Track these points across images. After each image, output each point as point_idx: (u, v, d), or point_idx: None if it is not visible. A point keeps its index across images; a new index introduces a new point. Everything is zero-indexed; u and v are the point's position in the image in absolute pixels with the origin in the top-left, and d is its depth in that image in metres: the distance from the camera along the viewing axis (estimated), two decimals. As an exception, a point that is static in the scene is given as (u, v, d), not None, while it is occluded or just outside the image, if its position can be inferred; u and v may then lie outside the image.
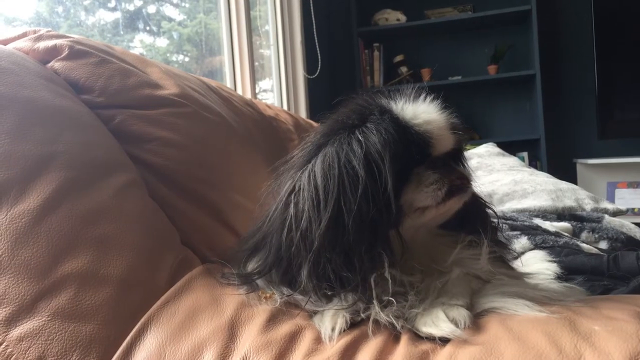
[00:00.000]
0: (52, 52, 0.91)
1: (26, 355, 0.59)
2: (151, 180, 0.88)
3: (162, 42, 2.72)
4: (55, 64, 0.90)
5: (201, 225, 0.89)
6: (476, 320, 0.61)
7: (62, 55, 0.90)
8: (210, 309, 0.66)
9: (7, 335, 0.59)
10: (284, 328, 0.62)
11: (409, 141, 0.66)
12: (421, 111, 0.68)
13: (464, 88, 3.83)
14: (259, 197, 0.79)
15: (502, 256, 0.75)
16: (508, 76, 3.70)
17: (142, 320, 0.65)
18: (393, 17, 3.86)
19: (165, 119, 0.94)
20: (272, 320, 0.64)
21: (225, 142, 1.06)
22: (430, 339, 0.59)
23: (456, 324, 0.59)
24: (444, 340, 0.58)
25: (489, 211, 0.78)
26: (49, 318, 0.61)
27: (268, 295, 0.68)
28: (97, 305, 0.64)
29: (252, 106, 1.50)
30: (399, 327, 0.61)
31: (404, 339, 0.60)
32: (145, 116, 0.92)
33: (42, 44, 0.91)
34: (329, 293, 0.64)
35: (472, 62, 3.87)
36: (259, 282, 0.71)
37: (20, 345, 0.59)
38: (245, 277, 0.71)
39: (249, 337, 0.60)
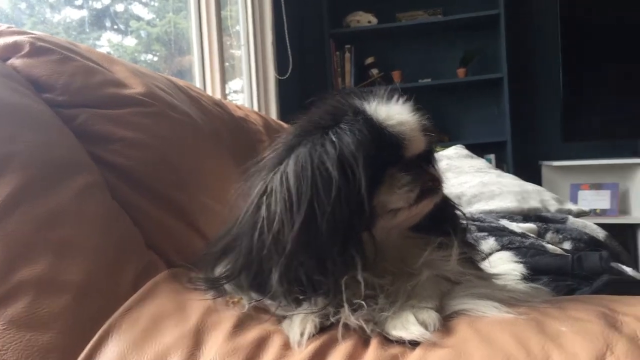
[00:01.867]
0: (12, 49, 0.87)
1: (-22, 367, 0.56)
2: (115, 181, 0.85)
3: (130, 41, 2.67)
4: (15, 61, 0.86)
5: (167, 228, 0.87)
6: (446, 323, 0.61)
7: (23, 52, 0.87)
8: (175, 315, 0.64)
9: (-43, 345, 0.56)
10: (252, 334, 0.61)
11: (382, 142, 0.66)
12: (395, 112, 0.68)
13: (434, 91, 3.87)
14: (228, 198, 0.77)
15: (472, 257, 0.75)
16: (477, 79, 3.76)
17: (103, 328, 0.62)
18: (365, 19, 3.88)
19: (130, 119, 0.91)
20: (240, 326, 0.62)
21: (192, 142, 1.03)
22: (400, 342, 0.59)
23: (426, 327, 0.58)
24: (414, 344, 0.57)
25: (458, 213, 0.78)
26: (4, 327, 0.58)
27: (236, 300, 0.66)
28: (55, 313, 0.61)
29: (222, 106, 1.48)
30: (368, 331, 0.60)
31: (374, 343, 0.59)
32: (109, 116, 0.89)
33: (2, 40, 0.87)
34: (300, 297, 0.63)
35: (442, 65, 3.91)
36: (227, 286, 0.69)
37: (-28, 356, 0.56)
38: (213, 282, 0.70)
39: (215, 344, 0.59)
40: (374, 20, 3.86)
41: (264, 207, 0.65)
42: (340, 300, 0.61)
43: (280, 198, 0.64)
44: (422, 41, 3.98)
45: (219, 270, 0.71)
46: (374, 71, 3.94)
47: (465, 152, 2.57)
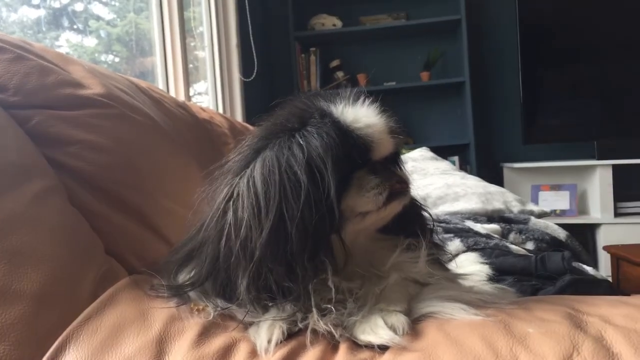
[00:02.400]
0: (-40, 47, 0.83)
1: None
2: (73, 186, 0.82)
3: (90, 41, 2.59)
4: (-36, 60, 0.82)
5: (128, 233, 0.84)
6: (414, 326, 0.61)
7: (-28, 51, 0.83)
8: (136, 324, 0.62)
9: None
10: (217, 342, 0.59)
11: (350, 145, 0.65)
12: (362, 115, 0.67)
13: (399, 93, 3.91)
14: (192, 203, 0.75)
15: (439, 258, 0.75)
16: (440, 83, 3.82)
17: (60, 339, 0.59)
18: (329, 22, 3.89)
19: (88, 121, 0.88)
20: (205, 334, 0.60)
21: (154, 145, 1.00)
22: (369, 346, 0.58)
23: (395, 331, 0.58)
24: (383, 348, 0.57)
25: (425, 214, 0.78)
26: (-49, 340, 0.55)
27: (200, 307, 0.64)
28: (9, 323, 0.58)
29: (185, 108, 1.45)
30: (337, 336, 0.59)
31: (343, 348, 0.58)
32: (66, 117, 0.86)
33: (-52, 38, 0.83)
34: (269, 304, 0.61)
35: (406, 69, 3.96)
36: (192, 294, 0.67)
37: None
38: (177, 289, 0.67)
39: (179, 353, 0.57)
40: (339, 24, 3.88)
41: (230, 213, 0.64)
42: (309, 305, 0.60)
43: (247, 203, 0.62)
44: (387, 44, 4.02)
45: (183, 276, 0.69)
46: (340, 74, 3.95)
47: (430, 154, 2.61)
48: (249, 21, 3.32)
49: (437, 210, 1.93)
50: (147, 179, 0.92)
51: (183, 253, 0.71)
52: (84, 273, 0.69)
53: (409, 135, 3.89)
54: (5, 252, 0.63)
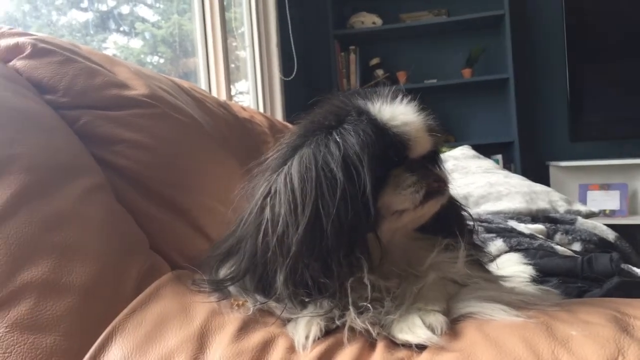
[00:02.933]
0: (14, 50, 0.87)
1: (-20, 370, 0.55)
2: (119, 183, 0.85)
3: (136, 43, 2.67)
4: (17, 63, 0.86)
5: (171, 230, 0.87)
6: (453, 326, 0.60)
7: (25, 54, 0.87)
8: (179, 317, 0.63)
9: (-41, 349, 0.56)
10: (256, 337, 0.60)
11: (387, 143, 0.64)
12: (399, 112, 0.67)
13: (440, 91, 3.85)
14: (232, 200, 0.76)
15: (479, 259, 0.74)
16: (482, 80, 3.74)
17: (107, 331, 0.62)
18: (369, 20, 3.87)
19: (133, 120, 0.90)
20: (244, 328, 0.61)
21: (196, 144, 1.03)
22: (407, 345, 0.58)
23: (433, 330, 0.57)
24: (421, 347, 0.56)
25: (465, 214, 0.77)
26: (7, 329, 0.58)
27: (240, 302, 0.66)
28: (59, 315, 0.61)
29: (226, 108, 1.47)
30: (374, 334, 0.59)
31: (380, 346, 0.58)
32: (112, 117, 0.89)
33: (3, 42, 0.87)
34: (305, 300, 0.62)
35: (447, 66, 3.90)
36: (232, 289, 0.68)
37: (-26, 359, 0.56)
38: (217, 284, 0.69)
39: (220, 347, 0.58)
40: (379, 21, 3.85)
41: (267, 209, 0.64)
42: (346, 303, 0.60)
43: (284, 200, 0.63)
44: (427, 42, 3.97)
45: (223, 272, 0.71)
46: (379, 72, 3.92)
47: (472, 152, 2.56)
48: (289, 21, 3.35)
49: (480, 209, 1.90)
50: (189, 177, 0.94)
51: (224, 249, 0.73)
52: (129, 267, 0.71)
53: (451, 133, 3.83)
54: (54, 247, 0.66)
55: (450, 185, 0.69)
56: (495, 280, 0.73)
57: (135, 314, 0.64)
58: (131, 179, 0.87)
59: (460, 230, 0.70)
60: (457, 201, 0.76)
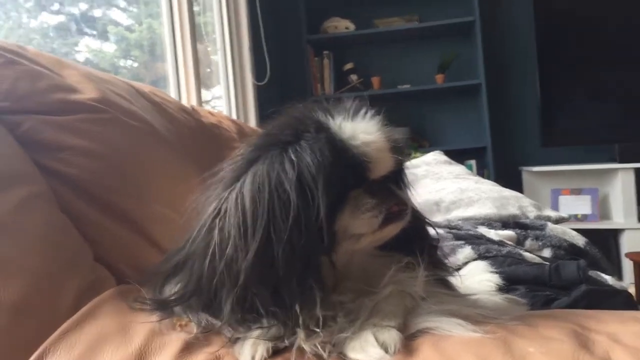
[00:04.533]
0: (-50, 52, 0.81)
1: None
2: (63, 192, 0.80)
3: (109, 47, 2.60)
4: (-47, 65, 0.81)
5: (120, 240, 0.82)
6: (409, 343, 0.56)
7: (-38, 56, 0.81)
8: (116, 338, 0.59)
9: None
10: (199, 358, 0.56)
11: (346, 164, 0.60)
12: (360, 130, 0.62)
13: (413, 96, 3.85)
14: (186, 209, 0.72)
15: (442, 278, 0.70)
16: (455, 85, 3.75)
17: (36, 353, 0.57)
18: (342, 26, 3.86)
19: (80, 126, 0.86)
20: (187, 349, 0.57)
21: (148, 150, 0.98)
22: (359, 365, 0.54)
23: (386, 349, 0.54)
24: (374, 366, 0.53)
25: (429, 228, 0.73)
26: None
27: (184, 322, 0.61)
28: (-17, 337, 0.56)
29: (189, 113, 1.43)
30: (325, 355, 0.55)
31: (331, 366, 0.55)
32: (57, 123, 0.84)
33: (-61, 43, 0.82)
34: (253, 326, 0.58)
35: (420, 71, 3.90)
36: (176, 308, 0.64)
37: None
38: (161, 303, 0.64)
39: (158, 370, 0.54)
40: (352, 27, 3.84)
41: (216, 231, 0.60)
42: (296, 324, 0.56)
43: (234, 222, 0.59)
44: (400, 47, 3.97)
45: (169, 289, 0.66)
46: (354, 77, 3.91)
47: (444, 158, 2.55)
48: (261, 25, 3.31)
49: (451, 215, 1.88)
50: (139, 185, 0.90)
51: (171, 264, 0.68)
52: (66, 283, 0.67)
53: (425, 138, 3.83)
54: (-16, 262, 0.61)
55: (410, 209, 0.65)
56: (457, 294, 0.70)
57: (69, 334, 0.59)
58: (78, 188, 0.82)
59: (421, 248, 0.67)
60: (422, 215, 0.73)
